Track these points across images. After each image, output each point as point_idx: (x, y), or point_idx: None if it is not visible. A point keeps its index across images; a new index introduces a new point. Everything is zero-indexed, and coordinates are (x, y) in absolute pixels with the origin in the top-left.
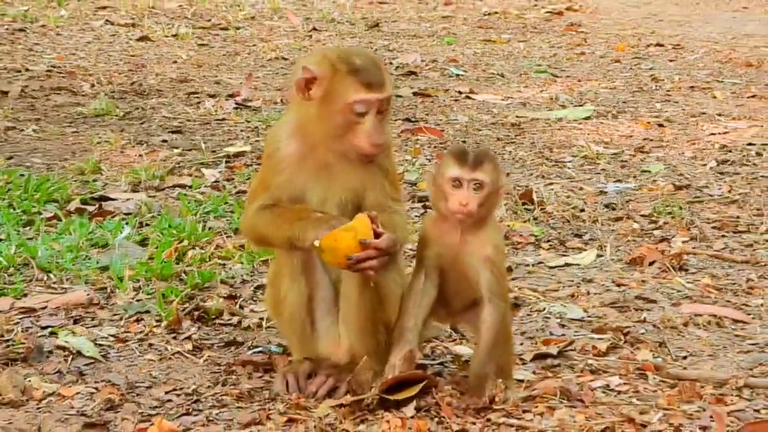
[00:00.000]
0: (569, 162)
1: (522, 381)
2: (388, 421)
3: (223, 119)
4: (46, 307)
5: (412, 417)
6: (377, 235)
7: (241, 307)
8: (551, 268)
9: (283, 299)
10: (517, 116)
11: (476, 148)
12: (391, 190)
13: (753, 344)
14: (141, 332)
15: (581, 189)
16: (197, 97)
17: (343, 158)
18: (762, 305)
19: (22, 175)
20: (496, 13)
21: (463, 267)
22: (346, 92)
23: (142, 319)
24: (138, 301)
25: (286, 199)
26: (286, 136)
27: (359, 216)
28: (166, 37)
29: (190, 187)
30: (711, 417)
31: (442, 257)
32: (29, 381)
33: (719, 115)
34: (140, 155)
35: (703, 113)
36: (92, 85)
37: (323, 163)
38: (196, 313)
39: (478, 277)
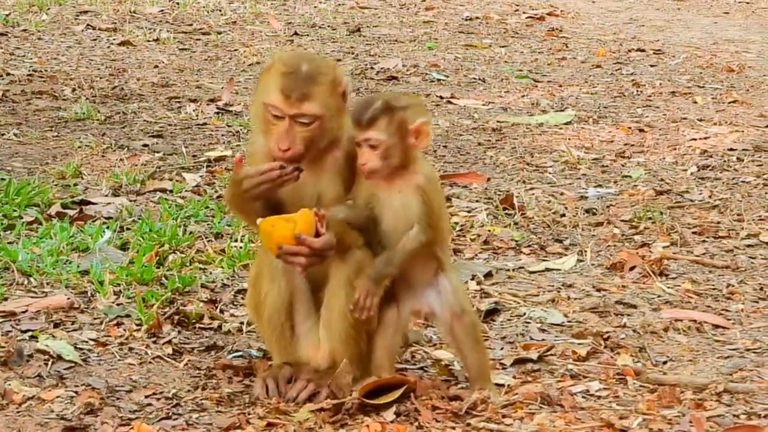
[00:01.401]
0: (550, 167)
1: (502, 386)
2: (368, 426)
3: (204, 124)
4: (26, 311)
5: (391, 421)
6: (318, 235)
7: (222, 311)
8: (532, 273)
9: (262, 301)
10: (498, 121)
11: (382, 99)
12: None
13: (733, 349)
14: (121, 336)
15: (562, 194)
16: (178, 102)
17: (307, 160)
18: (742, 310)
19: (3, 179)
20: (477, 18)
21: (397, 205)
22: (265, 91)
23: (123, 323)
24: (118, 305)
25: None
26: None
27: (304, 210)
28: (148, 41)
29: (171, 191)
30: (690, 422)
31: (377, 200)
32: (9, 385)
33: (700, 120)
34: (121, 159)
35: (684, 118)
36: (73, 90)
37: None
38: (177, 317)
39: (410, 211)
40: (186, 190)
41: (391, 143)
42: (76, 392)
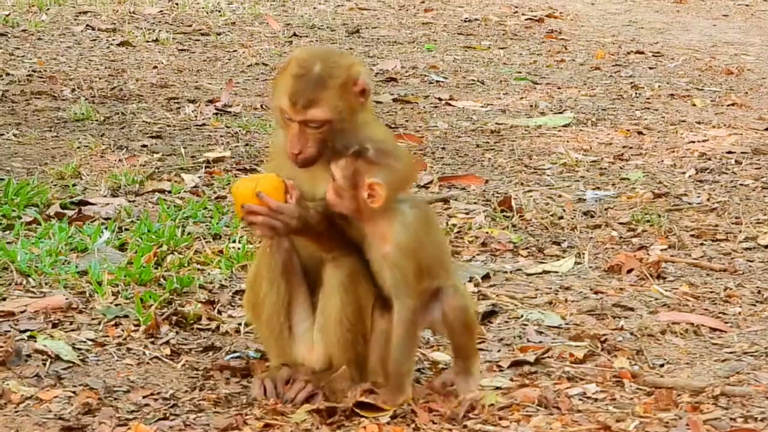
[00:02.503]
0: (548, 169)
1: (499, 388)
2: (364, 428)
3: (203, 124)
4: (25, 311)
5: (388, 423)
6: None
7: (219, 312)
8: (529, 275)
9: (261, 302)
10: (496, 123)
11: (368, 143)
12: None
13: (730, 352)
14: (119, 336)
15: (560, 196)
16: (177, 103)
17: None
18: (739, 314)
19: (2, 179)
20: (476, 19)
21: (373, 254)
22: (278, 94)
23: (121, 324)
24: (116, 305)
25: None
26: None
27: (269, 174)
28: (147, 42)
29: (170, 192)
30: (687, 425)
31: (361, 237)
32: (7, 385)
33: (699, 123)
34: (120, 160)
35: (683, 121)
36: (73, 90)
37: None
38: (175, 317)
39: (383, 275)
40: (184, 191)
41: (343, 185)
42: (74, 392)
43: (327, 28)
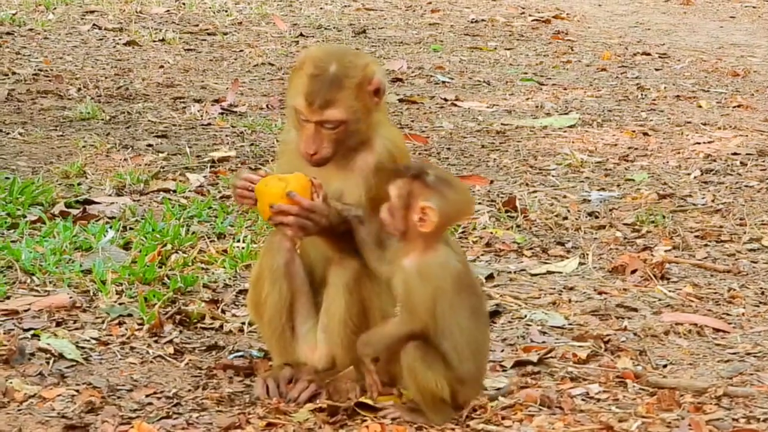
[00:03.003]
0: (553, 170)
1: (501, 388)
2: (367, 427)
3: (209, 124)
4: (28, 310)
5: (391, 423)
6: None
7: (223, 311)
8: (533, 275)
9: (263, 302)
10: (502, 124)
11: (412, 167)
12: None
13: (733, 353)
14: (123, 335)
15: (565, 197)
16: (183, 102)
17: (336, 158)
18: (743, 315)
19: (7, 178)
20: (483, 20)
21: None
22: (293, 93)
23: (124, 323)
24: (120, 304)
25: None
26: None
27: (298, 173)
28: (154, 41)
29: (174, 191)
30: (689, 425)
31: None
32: (11, 383)
33: (704, 124)
34: (125, 159)
35: (688, 122)
36: (79, 89)
37: None
38: (178, 317)
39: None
40: (189, 191)
41: (397, 205)
42: (77, 391)
43: (333, 28)
